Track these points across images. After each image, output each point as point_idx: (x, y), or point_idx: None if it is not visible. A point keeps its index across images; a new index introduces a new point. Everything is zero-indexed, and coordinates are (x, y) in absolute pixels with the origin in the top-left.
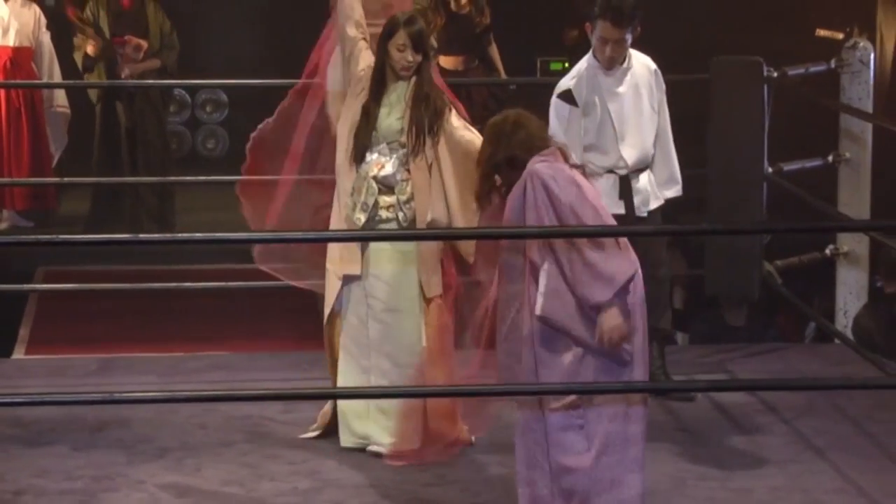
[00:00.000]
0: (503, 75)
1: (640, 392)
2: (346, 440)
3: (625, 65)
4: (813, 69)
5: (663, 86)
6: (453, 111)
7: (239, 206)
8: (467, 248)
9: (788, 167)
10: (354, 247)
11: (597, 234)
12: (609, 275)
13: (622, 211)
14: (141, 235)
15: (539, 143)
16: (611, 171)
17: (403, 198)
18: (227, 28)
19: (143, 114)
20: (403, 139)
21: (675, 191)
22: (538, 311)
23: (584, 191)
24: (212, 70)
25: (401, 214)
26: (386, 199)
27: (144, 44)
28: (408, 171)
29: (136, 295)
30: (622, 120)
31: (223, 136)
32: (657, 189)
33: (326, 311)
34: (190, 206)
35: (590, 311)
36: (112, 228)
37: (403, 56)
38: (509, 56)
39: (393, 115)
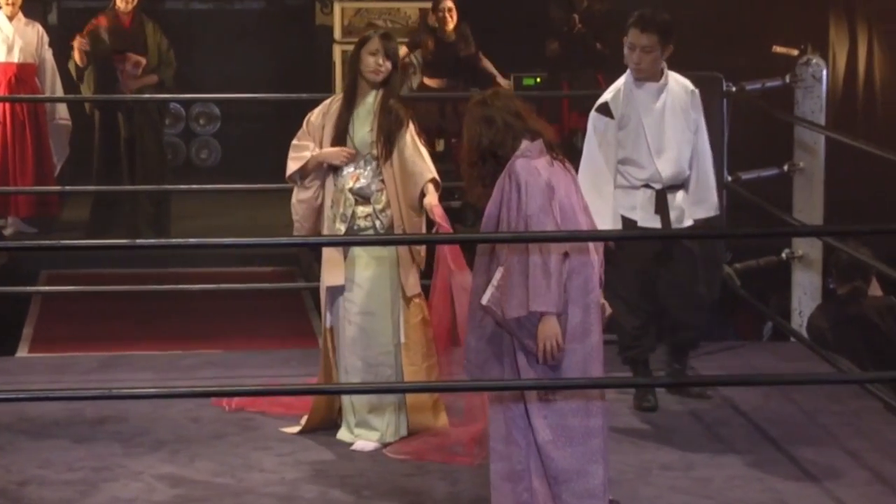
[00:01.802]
0: (500, 79)
1: (613, 388)
2: (342, 434)
3: (661, 81)
4: (769, 84)
5: (701, 106)
6: (412, 125)
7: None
8: (417, 256)
9: (746, 176)
10: (338, 259)
11: (558, 238)
12: (535, 292)
13: (658, 224)
14: (138, 241)
15: (521, 130)
16: (647, 185)
17: (379, 206)
18: (219, 46)
19: (142, 126)
20: (376, 151)
21: (706, 210)
22: (483, 300)
23: (554, 195)
24: (205, 85)
25: (377, 223)
26: (363, 210)
27: (143, 60)
28: (382, 181)
29: (134, 297)
30: (657, 135)
31: (216, 146)
32: (689, 208)
33: (323, 321)
34: (184, 212)
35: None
36: (111, 234)
37: (375, 59)
38: (482, 78)
39: (364, 128)
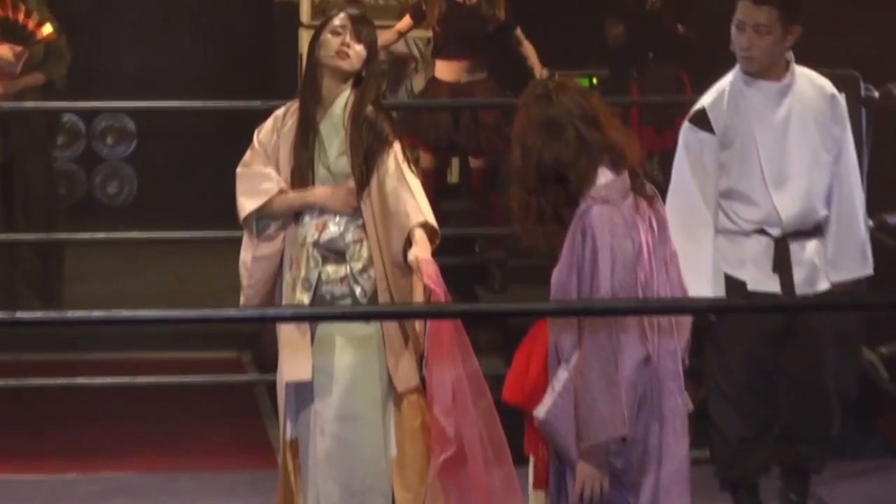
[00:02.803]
0: (539, 70)
1: None
2: None
3: (784, 79)
4: None
5: (845, 118)
6: (397, 144)
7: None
8: (412, 333)
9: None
10: (302, 342)
11: (617, 309)
12: (588, 423)
13: (776, 288)
14: (18, 313)
15: (601, 149)
16: (762, 229)
17: (358, 266)
18: (136, 32)
19: (21, 147)
20: (352, 183)
21: (851, 269)
22: (541, 412)
23: (640, 262)
24: (114, 88)
25: (357, 289)
26: (334, 270)
27: (22, 50)
28: (361, 227)
29: (10, 394)
30: (777, 157)
31: (129, 176)
32: (825, 265)
33: (283, 430)
34: (83, 272)
35: None
36: None
37: (341, 40)
38: (517, 70)
39: (333, 149)
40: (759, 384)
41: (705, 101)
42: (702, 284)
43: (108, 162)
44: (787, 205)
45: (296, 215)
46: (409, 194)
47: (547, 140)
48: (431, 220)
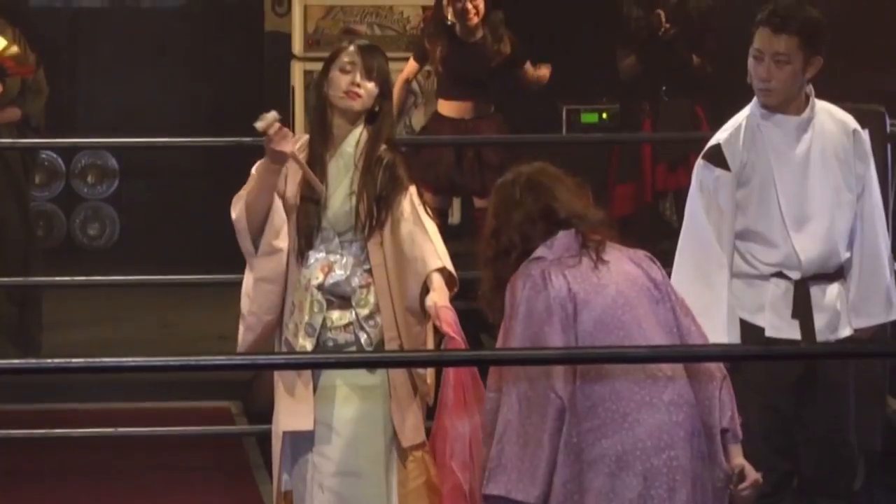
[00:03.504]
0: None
1: None
2: None
3: (805, 113)
4: None
5: (869, 155)
6: (413, 188)
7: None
8: (423, 386)
9: None
10: (303, 393)
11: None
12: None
13: (796, 335)
14: None
15: (558, 219)
16: (780, 273)
17: (364, 312)
18: (119, 65)
19: None
20: (359, 227)
21: (876, 314)
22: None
23: (572, 317)
24: (95, 124)
25: (363, 336)
26: (339, 316)
27: None
28: (368, 272)
29: None
30: (796, 196)
31: (111, 217)
32: (847, 311)
33: (277, 485)
34: (62, 318)
35: None
36: None
37: (349, 78)
38: (524, 102)
39: (342, 190)
40: (777, 437)
41: (720, 136)
42: (716, 330)
43: (88, 202)
44: (808, 246)
45: (299, 257)
46: (426, 239)
47: (504, 215)
48: (450, 265)
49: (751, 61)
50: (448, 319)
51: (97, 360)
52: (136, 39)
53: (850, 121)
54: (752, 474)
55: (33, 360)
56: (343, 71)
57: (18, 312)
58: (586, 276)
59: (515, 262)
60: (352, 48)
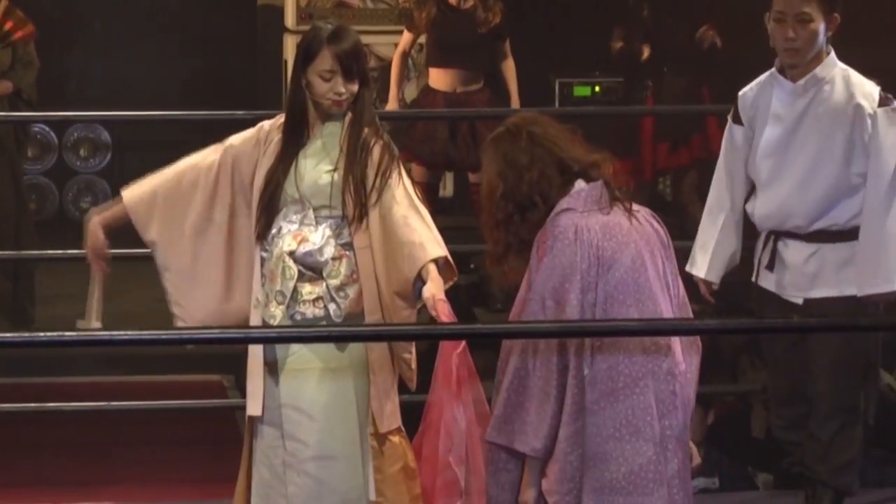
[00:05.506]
0: (517, 103)
1: None
2: None
3: (802, 81)
4: None
5: (876, 125)
6: (400, 169)
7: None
8: (407, 371)
9: None
10: (256, 374)
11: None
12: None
13: (771, 287)
14: None
15: (573, 166)
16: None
17: (335, 283)
18: (110, 38)
19: None
20: (336, 202)
21: (880, 285)
22: (490, 434)
23: (599, 272)
24: (88, 97)
25: (332, 307)
26: (309, 289)
27: None
28: (341, 245)
29: None
30: (771, 155)
31: (104, 190)
32: (857, 279)
33: (243, 465)
34: (55, 291)
35: None
36: None
37: (331, 87)
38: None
39: (322, 167)
40: (795, 378)
41: (742, 91)
42: (698, 265)
43: (81, 175)
44: (762, 204)
45: (269, 224)
46: (423, 225)
47: (511, 171)
48: (446, 253)
49: (772, 25)
50: (446, 312)
51: (90, 333)
52: (129, 12)
53: (861, 94)
54: (697, 458)
55: (26, 334)
56: (323, 79)
57: (11, 286)
58: (615, 230)
59: (538, 222)
60: (327, 52)
